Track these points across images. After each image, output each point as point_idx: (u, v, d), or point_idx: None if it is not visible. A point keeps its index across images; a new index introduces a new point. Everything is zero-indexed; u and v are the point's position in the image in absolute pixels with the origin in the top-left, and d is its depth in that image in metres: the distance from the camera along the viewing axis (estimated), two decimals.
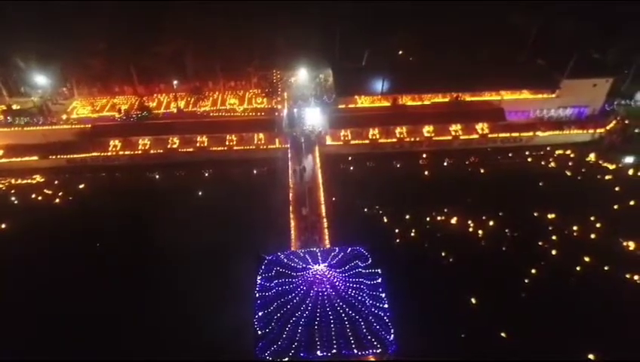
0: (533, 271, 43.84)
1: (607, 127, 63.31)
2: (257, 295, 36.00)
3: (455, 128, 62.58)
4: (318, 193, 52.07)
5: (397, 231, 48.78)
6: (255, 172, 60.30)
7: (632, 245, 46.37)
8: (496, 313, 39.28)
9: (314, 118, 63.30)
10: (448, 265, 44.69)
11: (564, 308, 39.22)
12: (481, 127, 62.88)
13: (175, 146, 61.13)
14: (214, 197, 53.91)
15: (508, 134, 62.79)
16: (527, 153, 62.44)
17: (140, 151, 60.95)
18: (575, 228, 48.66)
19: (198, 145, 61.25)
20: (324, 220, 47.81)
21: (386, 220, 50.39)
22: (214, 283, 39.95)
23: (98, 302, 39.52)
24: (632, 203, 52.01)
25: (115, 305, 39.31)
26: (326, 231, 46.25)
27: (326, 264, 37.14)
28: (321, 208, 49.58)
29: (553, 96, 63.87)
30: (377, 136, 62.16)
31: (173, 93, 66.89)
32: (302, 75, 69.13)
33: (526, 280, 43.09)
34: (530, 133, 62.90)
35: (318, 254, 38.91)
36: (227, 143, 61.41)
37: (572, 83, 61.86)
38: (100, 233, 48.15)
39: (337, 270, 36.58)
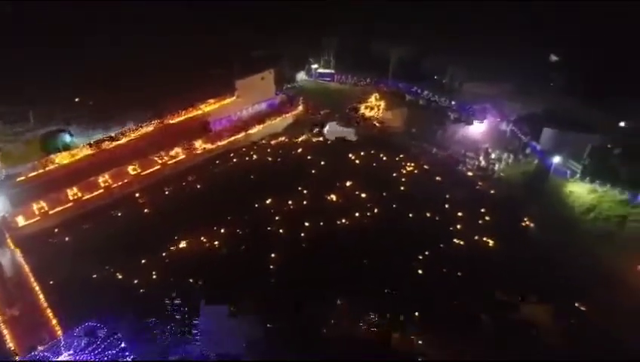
0: (272, 255, 47.80)
1: (299, 108, 73.55)
2: None
3: (159, 155, 61.17)
4: (29, 284, 43.95)
5: (136, 281, 45.52)
6: None
7: (334, 197, 55.66)
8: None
9: None
10: (195, 287, 44.40)
11: (307, 274, 44.38)
12: (192, 144, 63.57)
13: None
14: None
15: (223, 142, 65.47)
16: (231, 155, 65.32)
17: None
18: (290, 202, 55.03)
19: None
20: (48, 310, 41.07)
21: (120, 277, 46.31)
22: None
23: None
24: (322, 163, 61.87)
25: None
26: (54, 320, 39.97)
27: None
28: (38, 299, 42.20)
29: (235, 98, 69.55)
30: (80, 195, 55.52)
31: None
32: None
33: (271, 266, 46.77)
34: (242, 134, 67.18)
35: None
36: None
37: (244, 82, 68.43)
38: None
39: None
